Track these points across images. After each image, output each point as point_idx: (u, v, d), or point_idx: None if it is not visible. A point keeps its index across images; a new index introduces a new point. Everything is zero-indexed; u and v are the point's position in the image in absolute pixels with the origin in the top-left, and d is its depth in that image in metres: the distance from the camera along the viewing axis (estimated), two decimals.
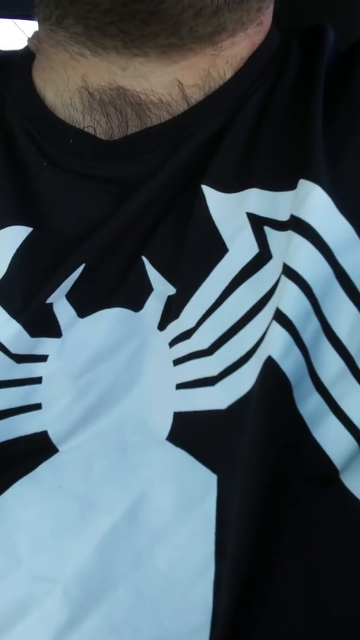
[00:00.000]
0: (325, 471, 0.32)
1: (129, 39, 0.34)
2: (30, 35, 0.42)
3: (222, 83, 0.37)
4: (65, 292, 0.35)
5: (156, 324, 0.35)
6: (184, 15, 0.33)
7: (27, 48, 0.42)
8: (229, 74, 0.37)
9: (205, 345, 0.33)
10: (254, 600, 0.31)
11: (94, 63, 0.36)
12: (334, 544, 0.32)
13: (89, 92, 0.37)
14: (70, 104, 0.38)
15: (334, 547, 0.32)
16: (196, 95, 0.37)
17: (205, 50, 0.36)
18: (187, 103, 0.37)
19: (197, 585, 0.31)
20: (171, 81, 0.36)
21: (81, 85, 0.37)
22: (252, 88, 0.37)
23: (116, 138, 0.37)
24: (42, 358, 0.34)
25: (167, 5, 0.32)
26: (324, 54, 0.38)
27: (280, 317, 0.31)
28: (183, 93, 0.37)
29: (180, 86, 0.37)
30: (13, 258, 0.35)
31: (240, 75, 0.38)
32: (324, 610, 0.31)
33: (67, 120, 0.38)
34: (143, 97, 0.36)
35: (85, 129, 0.37)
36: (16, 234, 0.36)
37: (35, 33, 0.40)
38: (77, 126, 0.37)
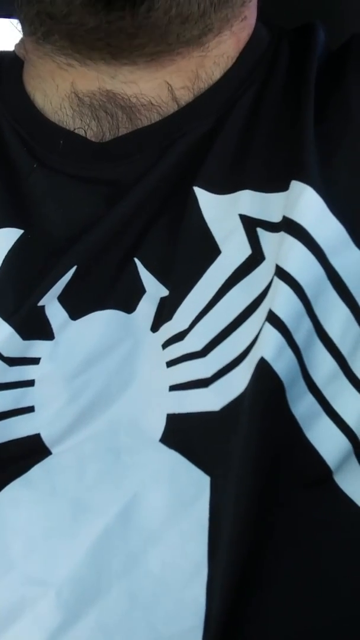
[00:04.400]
0: (318, 472, 0.32)
1: (117, 50, 0.35)
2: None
3: (211, 83, 0.37)
4: (57, 295, 0.35)
5: (149, 326, 0.35)
6: (172, 24, 0.33)
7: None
8: (217, 74, 0.37)
9: (198, 347, 0.33)
10: (247, 602, 0.31)
11: (82, 72, 0.36)
12: (327, 544, 0.32)
13: (79, 98, 0.37)
14: (60, 109, 0.38)
15: (328, 547, 0.32)
16: (186, 97, 0.37)
17: (193, 53, 0.36)
18: (177, 104, 0.37)
19: (190, 587, 0.31)
20: (160, 84, 0.36)
21: (70, 91, 0.37)
22: (242, 88, 0.37)
23: (107, 140, 0.37)
24: (35, 361, 0.34)
25: (154, 19, 0.32)
26: (314, 53, 0.38)
27: (272, 319, 0.31)
28: (172, 95, 0.37)
29: (170, 88, 0.37)
30: (4, 261, 0.35)
31: (229, 75, 0.38)
32: (318, 612, 0.31)
33: (57, 122, 0.38)
34: (133, 100, 0.36)
35: (76, 131, 0.37)
36: (7, 237, 0.36)
37: (21, 41, 0.40)
38: (68, 128, 0.37)
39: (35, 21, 0.35)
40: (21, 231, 0.36)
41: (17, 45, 0.41)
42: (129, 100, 0.36)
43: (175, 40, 0.34)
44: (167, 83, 0.36)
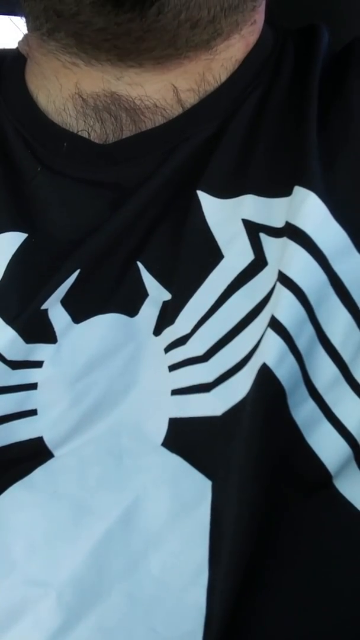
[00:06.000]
0: (319, 477, 0.32)
1: (124, 53, 0.34)
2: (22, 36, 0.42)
3: (217, 86, 0.37)
4: (60, 298, 0.35)
5: (151, 330, 0.35)
6: (181, 28, 0.33)
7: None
8: (223, 77, 0.37)
9: (200, 351, 0.33)
10: (247, 606, 0.31)
11: (87, 72, 0.36)
12: (328, 548, 0.32)
13: (83, 99, 0.37)
14: (64, 110, 0.37)
15: (328, 551, 0.32)
16: (191, 99, 0.37)
17: (201, 56, 0.36)
18: (182, 107, 0.37)
19: (191, 590, 0.31)
20: (166, 86, 0.36)
21: (74, 92, 0.37)
22: (247, 91, 0.37)
23: (110, 142, 0.37)
24: (38, 364, 0.34)
25: (163, 22, 0.32)
26: (318, 57, 0.38)
27: (275, 325, 0.31)
28: (178, 97, 0.37)
29: (175, 91, 0.36)
30: (9, 264, 0.35)
31: (235, 78, 0.37)
32: (319, 615, 0.31)
33: (60, 124, 0.37)
34: (138, 102, 0.36)
35: (80, 133, 0.37)
36: (12, 240, 0.36)
37: (25, 38, 0.40)
38: (71, 130, 0.37)
39: (41, 17, 0.35)
40: (25, 235, 0.36)
41: (20, 42, 0.41)
42: (134, 102, 0.36)
43: (183, 44, 0.34)
44: (173, 85, 0.36)
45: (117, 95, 0.36)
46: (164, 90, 0.36)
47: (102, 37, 0.33)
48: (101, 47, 0.34)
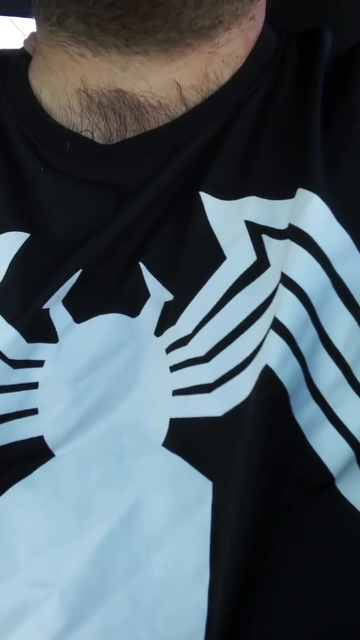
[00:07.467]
0: (321, 478, 0.32)
1: (130, 35, 0.34)
2: (26, 35, 0.42)
3: (219, 85, 0.37)
4: (62, 298, 0.35)
5: (153, 330, 0.35)
6: (186, 6, 0.33)
7: (23, 49, 0.42)
8: (226, 76, 0.37)
9: (202, 352, 0.33)
10: (249, 607, 0.31)
11: (94, 63, 0.36)
12: (329, 550, 0.32)
13: (88, 94, 0.37)
14: (68, 106, 0.37)
15: (330, 553, 0.32)
16: (194, 98, 0.37)
17: (202, 47, 0.36)
18: (185, 106, 0.37)
19: (192, 591, 0.31)
20: (169, 82, 0.36)
21: (79, 87, 0.37)
22: (250, 91, 0.37)
23: (114, 142, 0.37)
24: (39, 363, 0.34)
25: None
26: (322, 59, 0.38)
27: (277, 326, 0.31)
28: (181, 95, 0.37)
29: (178, 88, 0.36)
30: (10, 264, 0.35)
31: (238, 77, 0.37)
32: (320, 617, 0.31)
33: (64, 123, 0.37)
34: (142, 99, 0.36)
35: (83, 133, 0.37)
36: (14, 240, 0.35)
37: (32, 35, 0.40)
38: (75, 129, 0.37)
39: (51, 3, 0.35)
40: (27, 235, 0.36)
41: (26, 40, 0.41)
42: (138, 99, 0.36)
43: (187, 27, 0.34)
44: (176, 82, 0.36)
45: (122, 91, 0.36)
46: (167, 87, 0.36)
47: (112, 15, 0.33)
48: (109, 29, 0.34)
